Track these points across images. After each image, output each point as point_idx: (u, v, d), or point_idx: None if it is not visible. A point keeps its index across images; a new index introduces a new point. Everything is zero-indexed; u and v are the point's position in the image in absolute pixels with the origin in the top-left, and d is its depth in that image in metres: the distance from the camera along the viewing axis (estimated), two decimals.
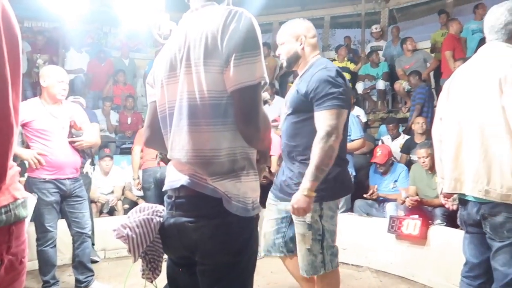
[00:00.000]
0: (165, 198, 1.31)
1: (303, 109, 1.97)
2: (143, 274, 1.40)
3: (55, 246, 3.06)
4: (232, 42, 1.11)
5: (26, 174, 3.42)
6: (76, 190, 3.05)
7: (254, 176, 1.23)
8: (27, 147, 2.95)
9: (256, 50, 1.13)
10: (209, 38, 1.14)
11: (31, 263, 3.60)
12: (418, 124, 4.81)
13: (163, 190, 1.33)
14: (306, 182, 1.84)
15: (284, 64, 2.12)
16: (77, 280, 3.14)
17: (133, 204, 4.76)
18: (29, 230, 3.49)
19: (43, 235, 3.02)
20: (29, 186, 3.08)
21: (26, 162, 2.97)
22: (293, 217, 2.02)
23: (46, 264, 3.06)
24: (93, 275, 3.18)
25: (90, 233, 3.15)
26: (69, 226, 3.11)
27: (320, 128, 1.86)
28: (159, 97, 1.30)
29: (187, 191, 1.21)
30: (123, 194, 5.05)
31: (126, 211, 4.67)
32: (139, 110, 7.08)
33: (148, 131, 1.39)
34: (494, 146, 1.71)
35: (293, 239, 2.14)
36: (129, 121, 6.52)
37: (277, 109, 5.68)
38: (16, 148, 2.78)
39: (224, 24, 1.13)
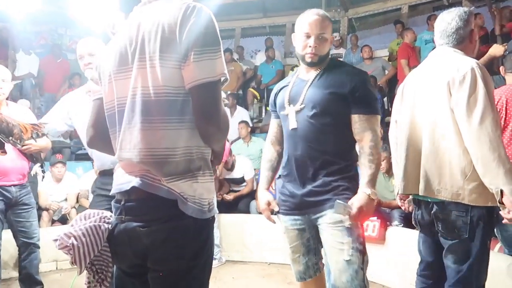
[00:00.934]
0: (113, 202, 1.23)
1: (334, 110, 1.78)
2: (89, 287, 1.30)
3: None
4: (192, 36, 1.06)
5: None
6: (22, 197, 2.86)
7: (209, 177, 1.18)
8: None
9: (216, 46, 1.09)
10: (166, 31, 1.08)
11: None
12: None
13: (110, 194, 1.25)
14: (370, 185, 1.73)
15: (315, 60, 1.81)
16: None
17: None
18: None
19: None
20: None
21: None
22: (326, 225, 1.77)
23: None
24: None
25: (38, 243, 2.96)
26: (15, 236, 2.91)
27: (374, 132, 1.76)
28: (106, 94, 1.21)
29: (139, 194, 1.14)
30: (77, 202, 4.81)
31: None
32: None
33: (91, 130, 1.30)
34: (443, 147, 1.76)
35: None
36: None
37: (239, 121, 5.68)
38: None
39: (183, 17, 1.07)
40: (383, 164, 3.87)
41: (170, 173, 1.11)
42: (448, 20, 1.87)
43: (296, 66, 7.20)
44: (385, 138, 5.17)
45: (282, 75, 7.34)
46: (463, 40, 1.86)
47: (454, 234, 1.76)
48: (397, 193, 2.11)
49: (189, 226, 1.12)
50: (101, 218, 1.25)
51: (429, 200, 1.84)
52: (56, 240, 1.21)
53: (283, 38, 8.89)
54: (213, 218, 1.20)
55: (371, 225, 3.45)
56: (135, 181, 1.14)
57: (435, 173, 1.78)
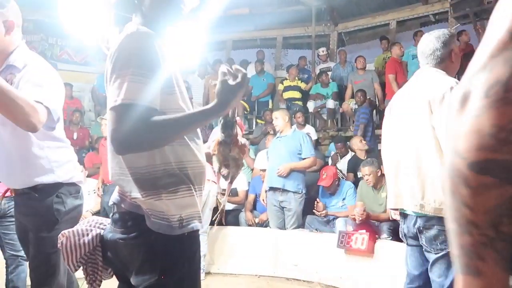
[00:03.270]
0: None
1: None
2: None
3: None
4: (112, 61, 1.12)
5: None
6: (11, 209, 2.82)
7: (183, 193, 1.18)
8: None
9: (126, 69, 1.08)
10: (110, 57, 1.14)
11: None
12: (357, 144, 5.03)
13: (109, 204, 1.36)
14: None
15: None
16: None
17: None
18: None
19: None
20: None
21: None
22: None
23: None
24: None
25: (25, 256, 2.91)
26: (2, 249, 2.87)
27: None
28: None
29: (118, 208, 1.23)
30: None
31: None
32: (86, 125, 6.80)
33: None
34: (426, 163, 1.82)
35: None
36: (75, 136, 6.21)
37: None
38: None
39: (119, 43, 1.12)
40: (370, 178, 3.93)
41: (132, 190, 1.16)
42: (426, 42, 1.98)
43: (286, 79, 7.27)
44: (373, 152, 5.29)
45: (273, 88, 7.42)
46: (442, 61, 1.94)
47: (437, 248, 1.80)
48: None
49: (156, 241, 1.15)
50: (97, 223, 1.34)
51: (413, 214, 1.89)
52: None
53: (274, 51, 8.99)
54: (190, 234, 1.19)
55: (360, 238, 3.49)
56: (114, 197, 1.24)
57: (418, 189, 1.83)
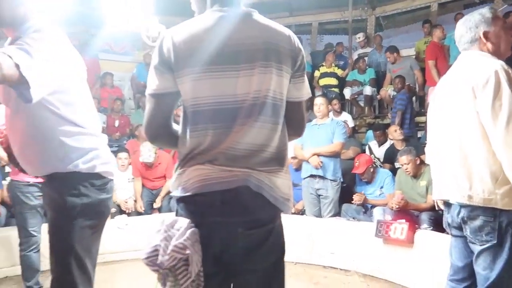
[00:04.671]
0: (202, 202, 1.17)
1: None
2: None
3: (38, 251, 2.99)
4: (303, 62, 1.31)
5: (8, 178, 3.34)
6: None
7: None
8: None
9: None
10: (286, 49, 1.26)
11: (14, 268, 3.54)
12: (393, 134, 4.91)
13: (189, 194, 1.17)
14: None
15: None
16: None
17: (119, 207, 4.70)
18: (12, 234, 3.43)
19: (27, 240, 2.96)
20: (12, 189, 3.01)
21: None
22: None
23: (29, 269, 2.99)
24: None
25: None
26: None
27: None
28: (198, 89, 1.17)
29: (243, 194, 1.14)
30: None
31: (112, 215, 4.59)
32: (127, 113, 7.02)
33: (157, 125, 1.25)
34: (472, 152, 1.75)
35: None
36: (116, 123, 6.44)
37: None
38: None
39: (299, 45, 1.29)
40: (409, 167, 3.83)
41: (270, 169, 1.19)
42: (457, 27, 1.91)
43: (322, 65, 7.16)
44: (412, 140, 5.14)
45: (310, 76, 7.33)
46: (470, 45, 1.86)
47: (482, 239, 1.74)
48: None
49: (282, 224, 1.24)
50: (188, 223, 1.15)
51: (457, 203, 1.83)
52: (149, 257, 1.12)
53: (309, 37, 8.86)
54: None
55: (399, 228, 3.43)
56: (241, 181, 1.14)
57: (465, 179, 1.76)
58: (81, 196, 1.60)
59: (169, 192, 4.91)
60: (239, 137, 1.15)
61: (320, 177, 4.17)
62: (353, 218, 4.22)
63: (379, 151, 5.24)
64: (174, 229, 1.13)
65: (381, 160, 5.08)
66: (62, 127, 1.57)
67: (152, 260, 1.10)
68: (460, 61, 1.91)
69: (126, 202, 4.72)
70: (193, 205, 1.17)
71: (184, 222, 1.14)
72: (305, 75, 1.31)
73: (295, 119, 1.31)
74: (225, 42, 1.16)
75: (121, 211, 4.68)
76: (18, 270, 3.13)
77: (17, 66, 1.31)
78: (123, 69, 7.91)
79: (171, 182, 1.25)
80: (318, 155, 4.14)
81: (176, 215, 1.22)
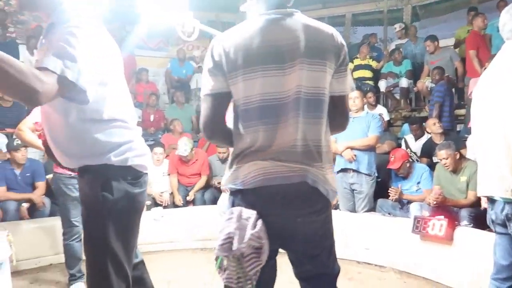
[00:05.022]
0: (263, 195, 1.26)
1: None
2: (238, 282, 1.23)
3: (80, 240, 3.11)
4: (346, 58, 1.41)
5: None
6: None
7: None
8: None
9: None
10: (329, 46, 1.35)
11: (57, 256, 3.72)
12: (431, 127, 4.73)
13: (250, 187, 1.27)
14: None
15: None
16: None
17: (154, 200, 4.82)
18: (55, 224, 3.57)
19: (69, 230, 3.09)
20: (56, 181, 3.15)
21: None
22: None
23: (72, 257, 3.13)
24: None
25: None
26: None
27: None
28: (247, 88, 1.27)
29: (301, 187, 1.26)
30: None
31: (148, 207, 4.72)
32: (161, 108, 7.16)
33: (214, 123, 1.35)
34: None
35: None
36: (151, 118, 6.60)
37: None
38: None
39: (342, 42, 1.38)
40: (448, 162, 3.70)
41: (323, 164, 1.31)
42: (501, 15, 1.87)
43: (356, 57, 7.01)
44: (452, 133, 4.95)
45: None
46: None
47: None
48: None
49: (331, 213, 1.39)
50: (255, 214, 1.24)
51: (501, 200, 1.77)
52: (224, 244, 1.18)
53: (342, 29, 8.70)
54: None
55: (438, 224, 3.33)
56: (299, 176, 1.26)
57: (508, 171, 1.71)
58: (112, 190, 1.53)
59: (204, 187, 5.00)
60: (291, 133, 1.25)
61: (354, 171, 4.10)
62: (389, 213, 4.13)
63: (416, 145, 5.08)
64: (242, 219, 1.22)
65: (418, 154, 4.93)
66: (94, 119, 1.50)
67: (225, 246, 1.18)
68: (504, 50, 1.84)
69: (161, 196, 4.83)
70: (254, 197, 1.27)
71: (251, 213, 1.24)
72: (348, 70, 1.37)
73: (339, 113, 1.38)
74: (270, 44, 1.26)
75: (156, 204, 4.80)
76: (62, 258, 3.28)
77: (64, 78, 1.27)
78: (157, 65, 8.08)
79: (225, 176, 1.34)
80: (352, 148, 4.07)
81: (233, 206, 1.30)
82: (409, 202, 4.10)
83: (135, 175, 1.59)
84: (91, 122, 1.50)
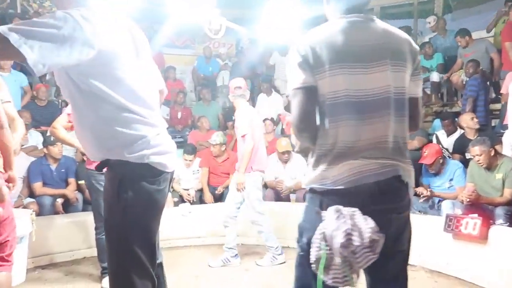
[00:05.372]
0: (361, 193, 1.29)
1: None
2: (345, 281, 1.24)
3: None
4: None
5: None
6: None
7: None
8: None
9: None
10: (411, 50, 1.44)
11: (90, 250, 3.83)
12: (467, 122, 4.56)
13: (343, 187, 1.29)
14: None
15: None
16: None
17: (181, 197, 4.90)
18: (88, 219, 3.67)
19: (101, 224, 3.16)
20: (87, 177, 3.24)
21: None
22: None
23: (104, 251, 3.20)
24: None
25: None
26: None
27: None
28: (337, 82, 1.33)
29: (393, 183, 1.32)
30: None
31: (176, 204, 4.80)
32: (188, 105, 7.25)
33: (305, 119, 1.37)
34: None
35: None
36: (179, 115, 6.69)
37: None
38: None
39: (416, 47, 1.48)
40: (482, 159, 3.56)
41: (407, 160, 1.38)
42: None
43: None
44: (486, 129, 4.76)
45: None
46: None
47: None
48: None
49: None
50: (358, 210, 1.26)
51: None
52: (345, 242, 1.19)
53: None
54: None
55: (471, 223, 3.22)
56: (392, 171, 1.32)
57: None
58: (127, 187, 1.50)
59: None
60: (381, 130, 1.31)
61: None
62: (419, 211, 4.03)
63: (448, 141, 4.92)
64: (349, 216, 1.23)
65: (450, 150, 4.78)
66: (107, 110, 1.47)
67: (346, 243, 1.20)
68: None
69: (188, 194, 4.90)
70: (351, 196, 1.29)
71: (353, 210, 1.25)
72: (421, 74, 1.47)
73: (415, 113, 1.44)
74: (354, 43, 1.33)
75: (183, 200, 4.87)
76: (94, 252, 3.39)
77: (6, 39, 1.17)
78: (184, 63, 8.18)
79: (310, 176, 1.37)
80: None
81: (321, 207, 1.32)
82: (440, 200, 3.98)
83: (153, 173, 1.54)
84: (111, 116, 1.48)
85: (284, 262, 3.73)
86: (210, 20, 3.29)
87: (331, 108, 1.31)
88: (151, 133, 1.54)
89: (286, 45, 7.18)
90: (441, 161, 4.10)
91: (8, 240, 1.88)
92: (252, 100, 6.85)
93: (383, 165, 1.30)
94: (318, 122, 1.35)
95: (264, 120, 5.94)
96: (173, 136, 6.55)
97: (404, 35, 1.43)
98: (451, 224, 3.35)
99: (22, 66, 4.77)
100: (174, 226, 4.39)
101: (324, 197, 1.32)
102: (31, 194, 4.21)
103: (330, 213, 1.25)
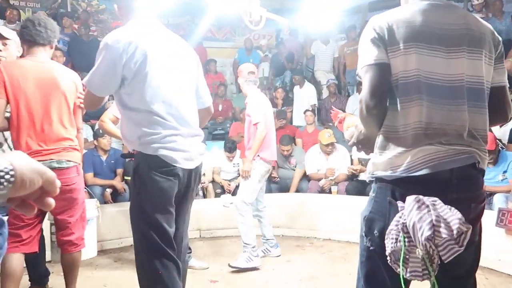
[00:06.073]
0: (438, 180, 1.24)
1: None
2: (424, 273, 1.20)
3: None
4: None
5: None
6: None
7: None
8: None
9: None
10: (495, 39, 1.39)
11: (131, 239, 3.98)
12: None
13: (417, 174, 1.22)
14: None
15: None
16: None
17: (223, 188, 4.99)
18: None
19: None
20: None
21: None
22: None
23: None
24: (190, 252, 3.39)
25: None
26: None
27: None
28: (419, 62, 1.29)
29: (467, 171, 1.26)
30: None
31: (217, 194, 4.89)
32: (229, 98, 7.33)
33: (377, 96, 1.31)
34: None
35: None
36: (220, 108, 6.77)
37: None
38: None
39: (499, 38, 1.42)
40: None
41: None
42: None
43: None
44: None
45: None
46: None
47: None
48: None
49: None
50: (438, 200, 1.20)
51: None
52: (431, 233, 1.13)
53: None
54: None
55: None
56: (470, 158, 1.25)
57: None
58: (142, 174, 1.75)
59: (270, 177, 5.05)
60: (458, 118, 1.24)
61: None
62: None
63: (500, 131, 4.64)
64: (431, 206, 1.16)
65: (503, 141, 4.51)
66: (129, 107, 1.77)
67: (432, 235, 1.13)
68: None
69: (229, 184, 4.98)
70: (427, 184, 1.22)
71: (433, 199, 1.18)
72: (505, 63, 1.41)
73: (502, 103, 1.37)
74: (435, 26, 1.29)
75: (224, 191, 4.95)
76: None
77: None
78: (225, 55, 8.24)
79: (375, 162, 1.32)
80: None
81: (393, 196, 1.26)
82: (493, 193, 3.77)
83: (162, 165, 1.73)
84: (128, 109, 1.77)
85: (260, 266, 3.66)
86: (250, 12, 3.29)
87: (403, 87, 1.26)
88: (167, 132, 1.75)
89: (328, 33, 7.08)
90: (498, 150, 3.87)
91: (83, 221, 2.43)
92: (287, 93, 6.83)
93: (460, 151, 1.23)
94: (388, 103, 1.30)
95: (305, 111, 5.89)
96: (214, 129, 6.73)
97: (485, 23, 1.38)
98: (504, 219, 3.18)
99: (71, 66, 5.03)
100: (216, 216, 4.48)
101: (396, 186, 1.26)
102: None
103: (409, 203, 1.18)
